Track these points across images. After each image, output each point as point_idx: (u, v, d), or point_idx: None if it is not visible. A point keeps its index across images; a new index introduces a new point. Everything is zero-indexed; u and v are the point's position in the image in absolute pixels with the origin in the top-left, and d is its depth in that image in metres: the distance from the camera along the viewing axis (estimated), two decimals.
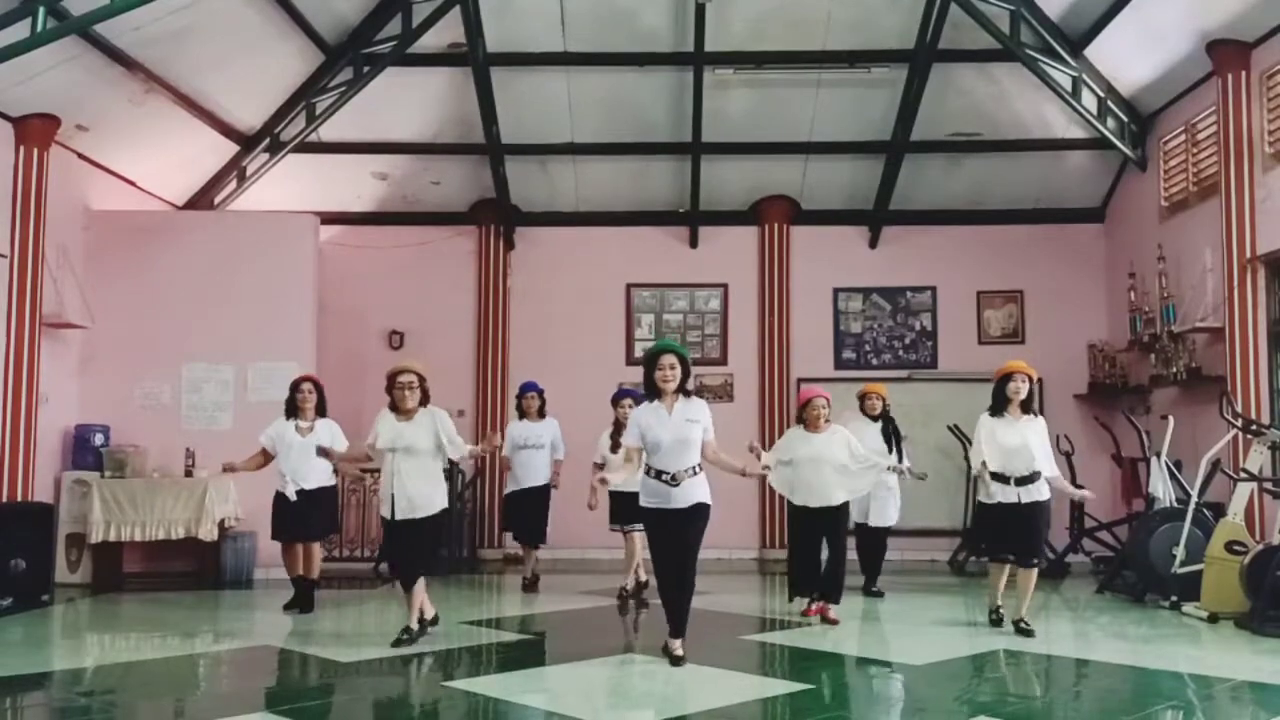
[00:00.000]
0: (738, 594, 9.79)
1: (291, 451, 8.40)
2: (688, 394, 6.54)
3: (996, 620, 7.79)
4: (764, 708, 5.77)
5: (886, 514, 9.36)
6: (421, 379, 7.17)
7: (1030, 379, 7.54)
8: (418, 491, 7.04)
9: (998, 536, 7.64)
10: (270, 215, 11.72)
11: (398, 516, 7.02)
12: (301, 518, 8.46)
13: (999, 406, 7.55)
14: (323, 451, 8.48)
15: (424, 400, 7.17)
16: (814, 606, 8.15)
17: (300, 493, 8.41)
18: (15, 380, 9.62)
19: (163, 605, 9.24)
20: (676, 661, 6.43)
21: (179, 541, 10.13)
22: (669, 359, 6.50)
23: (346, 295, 12.52)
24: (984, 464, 7.44)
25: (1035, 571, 7.51)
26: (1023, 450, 7.36)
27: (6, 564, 8.63)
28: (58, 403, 10.28)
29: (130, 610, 9.14)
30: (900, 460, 8.94)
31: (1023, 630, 7.39)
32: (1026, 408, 7.51)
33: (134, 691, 6.24)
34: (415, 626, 7.18)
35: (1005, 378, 7.54)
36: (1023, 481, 7.38)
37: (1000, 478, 7.40)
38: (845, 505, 8.15)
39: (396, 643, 7.03)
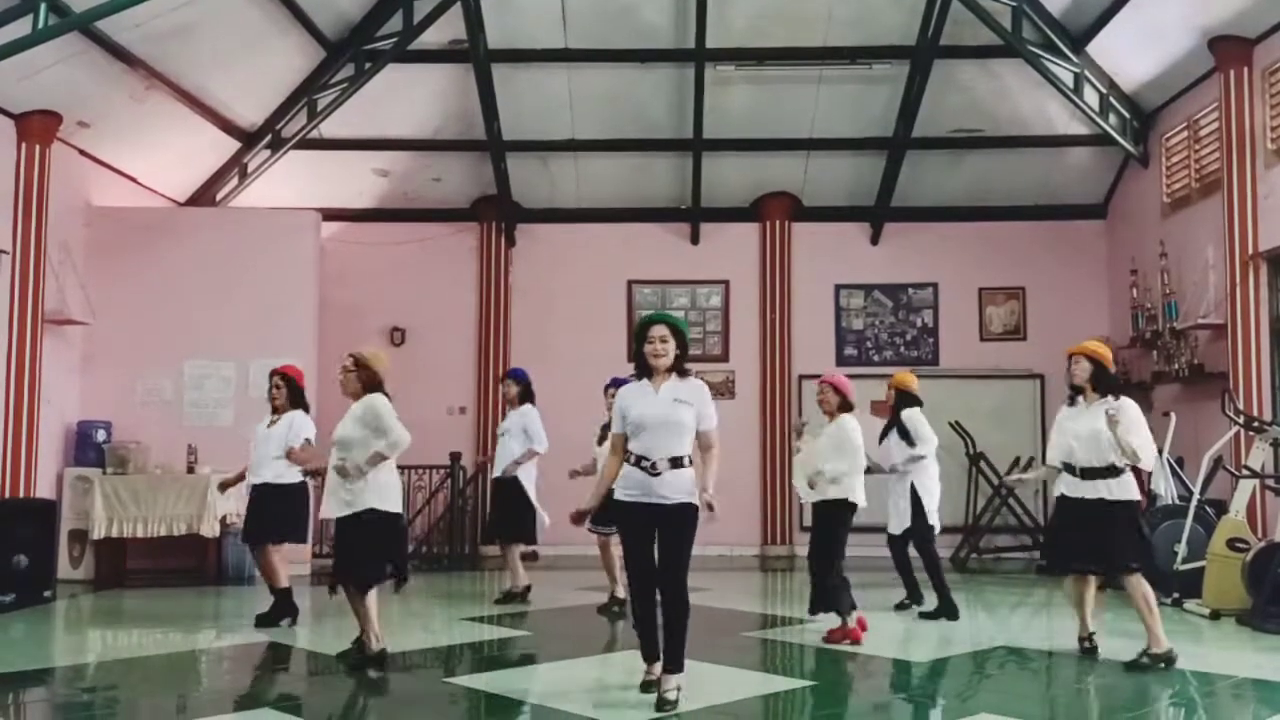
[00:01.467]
0: (739, 591, 9.79)
1: (255, 445, 7.95)
2: (684, 373, 5.51)
3: (1089, 649, 6.67)
4: (766, 704, 5.77)
5: (895, 520, 8.44)
6: (358, 361, 6.51)
7: (1089, 357, 6.53)
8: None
9: (1063, 541, 6.61)
10: (272, 212, 11.74)
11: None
12: (252, 517, 7.93)
13: (1073, 394, 6.66)
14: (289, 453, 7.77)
15: (368, 389, 6.46)
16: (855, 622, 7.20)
17: (255, 488, 7.87)
18: (17, 377, 9.63)
19: (165, 601, 9.25)
20: (665, 705, 5.23)
21: (181, 538, 10.15)
22: (660, 330, 5.47)
23: (348, 292, 12.52)
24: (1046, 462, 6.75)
25: (1138, 580, 6.35)
26: (1092, 439, 6.37)
27: (9, 560, 8.63)
28: (59, 399, 10.29)
29: (132, 606, 9.15)
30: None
31: (1140, 665, 6.26)
32: (1103, 390, 6.49)
33: (136, 687, 6.24)
34: (370, 643, 6.44)
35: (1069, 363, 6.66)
36: (1090, 474, 6.38)
37: (1069, 469, 6.51)
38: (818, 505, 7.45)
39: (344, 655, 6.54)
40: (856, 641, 7.03)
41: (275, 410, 7.98)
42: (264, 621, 7.80)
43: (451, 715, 5.69)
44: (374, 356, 6.59)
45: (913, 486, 8.20)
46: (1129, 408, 6.41)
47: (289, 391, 7.98)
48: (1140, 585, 6.36)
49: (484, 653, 7.26)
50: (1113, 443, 6.28)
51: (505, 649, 7.43)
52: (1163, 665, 6.26)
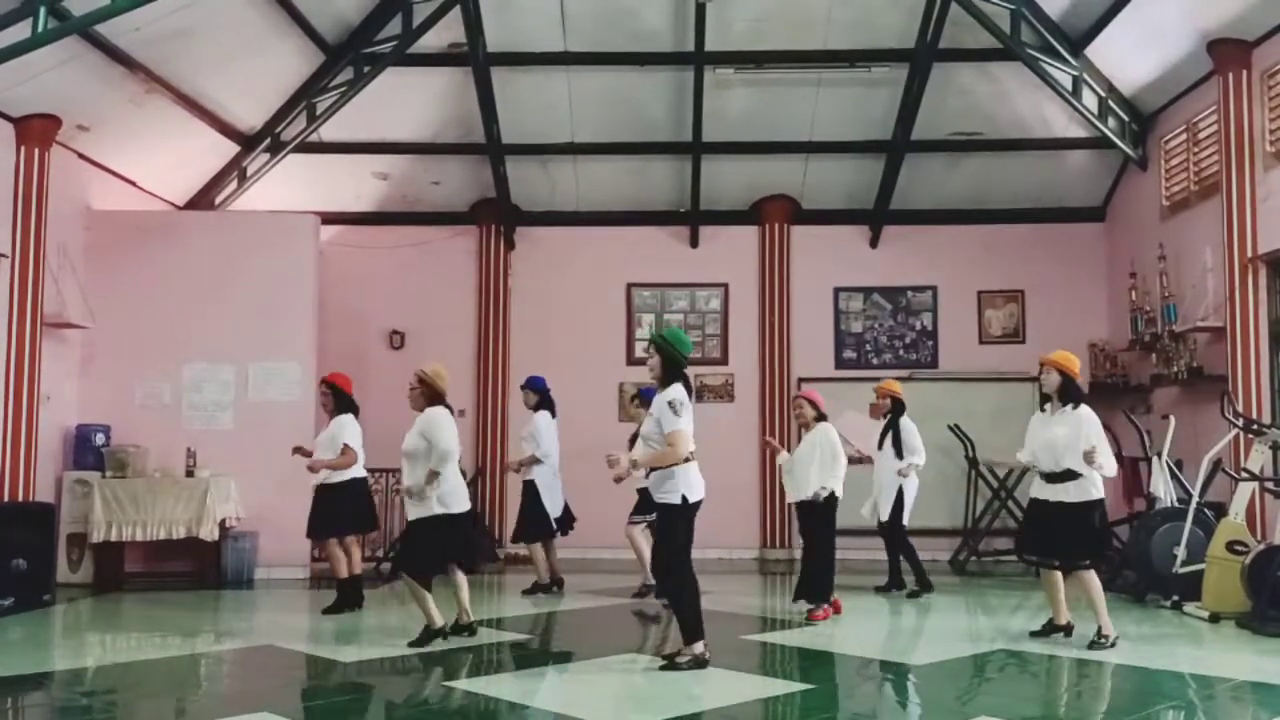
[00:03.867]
0: (739, 594, 9.78)
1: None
2: (664, 384, 6.42)
3: (1043, 631, 7.34)
4: (765, 708, 5.78)
5: (881, 509, 9.46)
6: (421, 379, 7.35)
7: (1059, 369, 7.07)
8: None
9: (1029, 535, 7.35)
10: (271, 215, 11.72)
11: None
12: (311, 515, 8.70)
13: (1043, 401, 7.26)
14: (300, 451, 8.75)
15: (430, 403, 7.29)
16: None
17: (315, 488, 8.65)
18: (16, 380, 9.60)
19: (164, 605, 9.25)
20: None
21: (180, 541, 10.14)
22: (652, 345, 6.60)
23: (347, 295, 12.52)
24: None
25: (1091, 576, 7.04)
26: (1048, 447, 7.02)
27: (8, 564, 8.63)
28: (59, 402, 10.28)
29: (131, 610, 9.14)
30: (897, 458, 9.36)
31: (1093, 643, 6.92)
32: (1067, 400, 7.06)
33: (135, 691, 6.24)
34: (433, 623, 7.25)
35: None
36: (1051, 479, 7.03)
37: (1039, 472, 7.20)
38: (809, 503, 8.17)
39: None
40: (838, 612, 8.23)
41: (330, 416, 8.71)
42: (330, 610, 8.49)
43: None
44: (435, 374, 7.32)
45: (901, 489, 9.34)
46: (1088, 420, 6.97)
47: (335, 397, 8.68)
48: (1091, 580, 7.03)
49: (485, 656, 7.25)
50: (1072, 450, 6.86)
51: (507, 652, 7.42)
52: (1110, 645, 6.91)
